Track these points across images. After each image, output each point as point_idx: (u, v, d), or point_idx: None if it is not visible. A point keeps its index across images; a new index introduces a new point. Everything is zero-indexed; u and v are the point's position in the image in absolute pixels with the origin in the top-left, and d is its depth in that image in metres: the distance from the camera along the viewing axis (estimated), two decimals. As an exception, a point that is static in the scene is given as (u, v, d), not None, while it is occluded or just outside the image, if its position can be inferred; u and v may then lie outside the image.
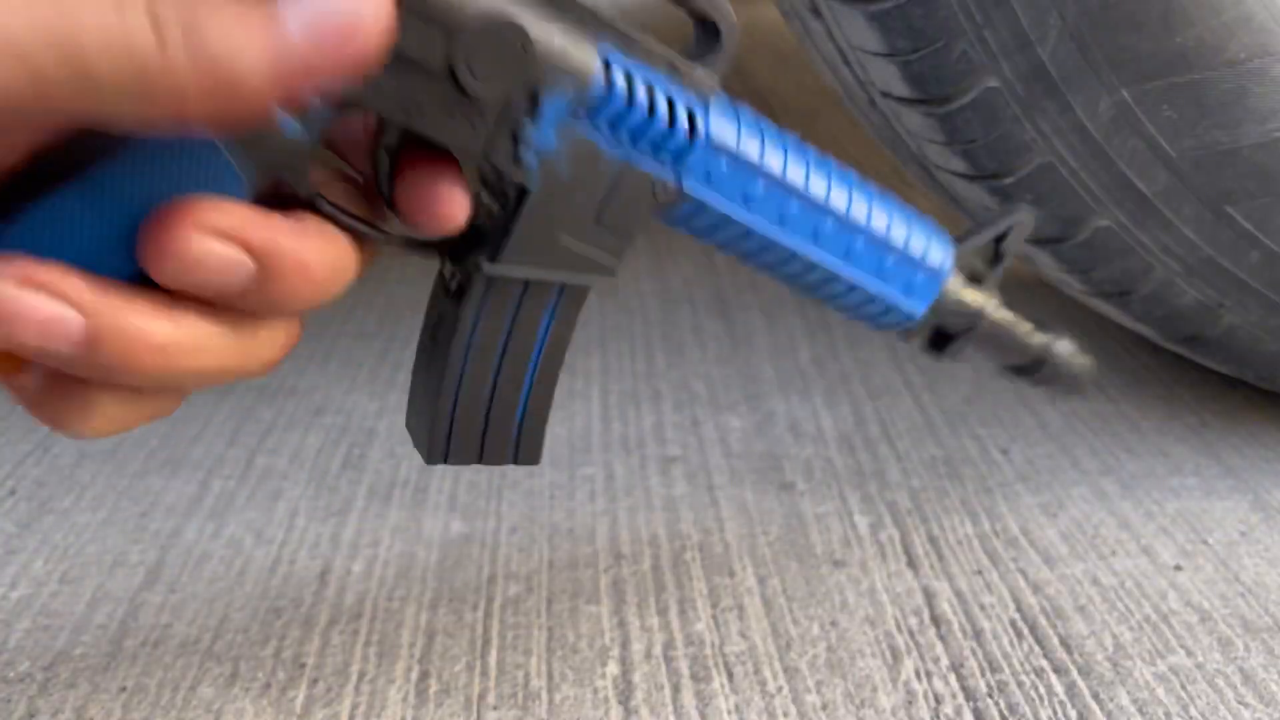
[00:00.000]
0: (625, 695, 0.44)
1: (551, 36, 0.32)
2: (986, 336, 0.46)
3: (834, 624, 0.49)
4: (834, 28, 0.59)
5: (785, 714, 0.43)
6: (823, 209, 0.39)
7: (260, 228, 0.28)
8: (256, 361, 0.30)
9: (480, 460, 0.38)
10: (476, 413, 0.37)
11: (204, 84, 0.24)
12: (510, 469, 0.62)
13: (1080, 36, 0.51)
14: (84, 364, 0.27)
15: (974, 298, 0.45)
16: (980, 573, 0.52)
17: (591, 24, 0.33)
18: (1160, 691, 0.44)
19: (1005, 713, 0.43)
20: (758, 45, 2.06)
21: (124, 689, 0.45)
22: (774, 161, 0.38)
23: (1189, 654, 0.46)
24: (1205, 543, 0.55)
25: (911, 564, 0.53)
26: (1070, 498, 0.59)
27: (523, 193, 0.34)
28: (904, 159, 0.68)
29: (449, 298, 0.36)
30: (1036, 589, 0.51)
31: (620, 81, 0.34)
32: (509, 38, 0.31)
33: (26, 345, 0.26)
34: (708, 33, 0.35)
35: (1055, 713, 0.43)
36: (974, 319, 0.45)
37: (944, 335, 0.46)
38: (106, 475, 0.61)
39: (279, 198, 0.30)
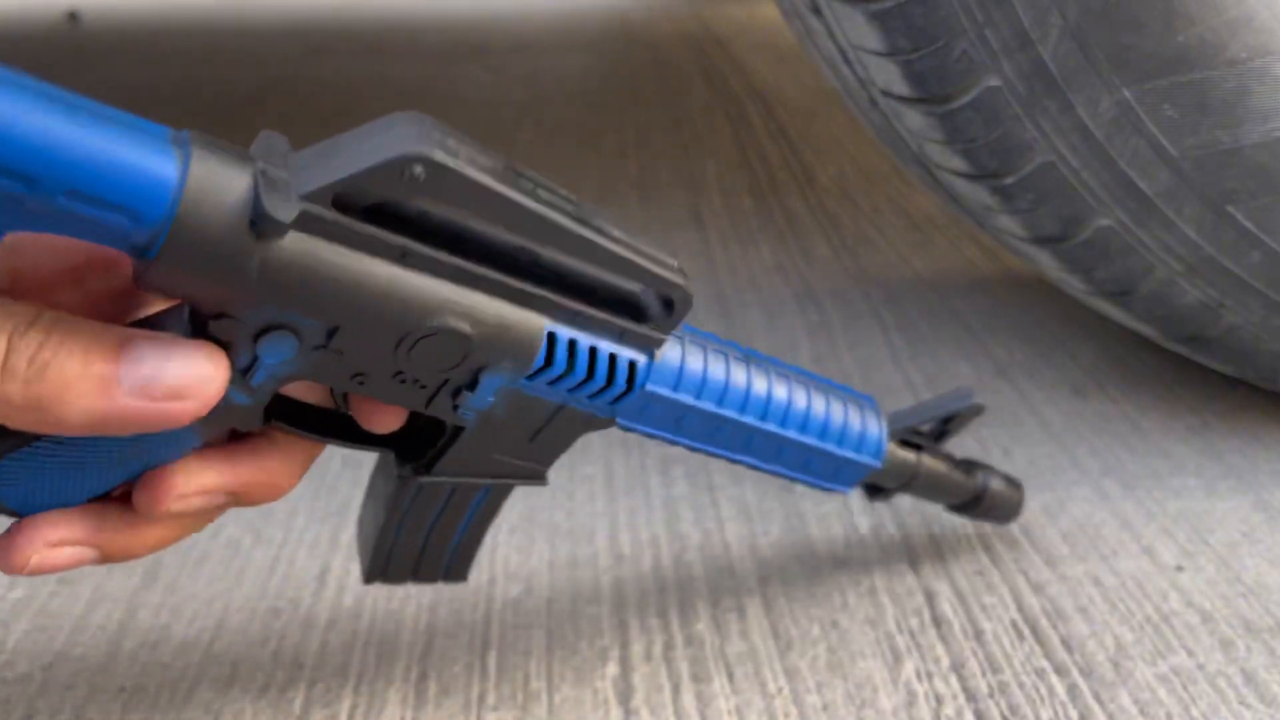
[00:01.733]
0: (625, 696, 0.44)
1: (500, 318, 0.33)
2: (922, 487, 0.49)
3: (834, 624, 0.49)
4: (834, 26, 0.59)
5: (786, 715, 0.43)
6: (753, 429, 0.41)
7: (229, 473, 0.34)
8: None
9: (414, 580, 0.41)
10: (410, 552, 0.40)
11: (27, 415, 0.28)
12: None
13: (1081, 35, 0.51)
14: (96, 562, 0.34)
15: (909, 459, 0.48)
16: (981, 573, 0.52)
17: (541, 295, 0.34)
18: (1162, 692, 0.44)
19: (1007, 714, 0.43)
20: (758, 45, 2.06)
21: (123, 689, 0.45)
22: (708, 398, 0.40)
23: (1190, 655, 0.46)
24: (1207, 543, 0.54)
25: (912, 564, 0.53)
26: (1071, 498, 0.59)
27: (459, 429, 0.36)
28: (904, 158, 0.68)
29: (395, 469, 0.38)
30: (1038, 589, 0.51)
31: (562, 353, 0.35)
32: (452, 346, 0.32)
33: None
34: (664, 303, 0.36)
35: (1056, 714, 0.43)
36: (908, 477, 0.48)
37: (879, 487, 0.50)
38: (106, 475, 0.61)
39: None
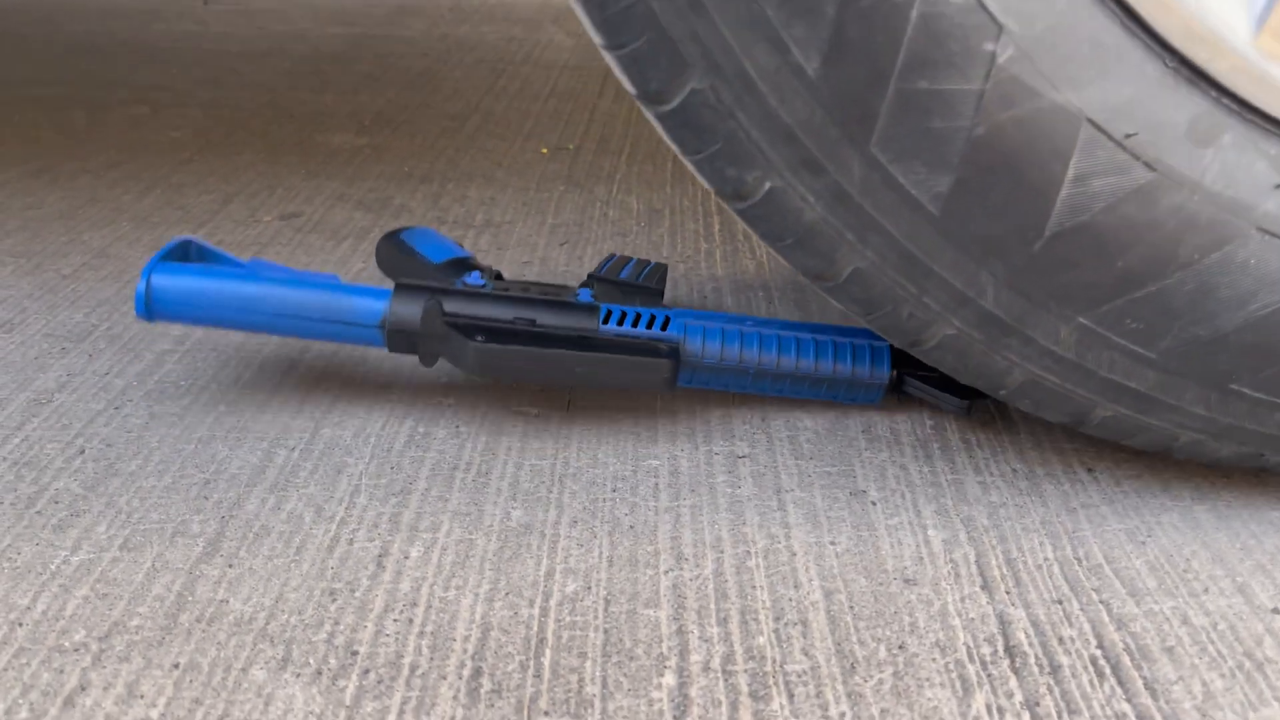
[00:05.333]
0: (681, 710, 0.43)
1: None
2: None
3: (902, 647, 0.47)
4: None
5: (847, 743, 0.41)
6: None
7: None
8: None
9: None
10: None
11: None
12: (574, 456, 0.61)
13: (1018, 285, 0.50)
14: None
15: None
16: (1060, 602, 0.50)
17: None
18: (1252, 748, 0.42)
19: (1082, 759, 0.41)
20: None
21: (177, 666, 0.44)
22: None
23: (1285, 708, 0.43)
24: (1307, 585, 0.51)
25: (986, 587, 0.51)
26: (1160, 525, 0.56)
27: None
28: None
29: None
30: (1121, 624, 0.48)
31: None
32: None
33: None
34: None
35: (1136, 763, 0.41)
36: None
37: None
38: (174, 439, 0.61)
39: None
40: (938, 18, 0.44)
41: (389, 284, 0.66)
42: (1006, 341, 0.52)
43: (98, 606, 0.48)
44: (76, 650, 0.45)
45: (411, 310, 0.62)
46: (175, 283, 0.61)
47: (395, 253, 0.72)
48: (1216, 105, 0.47)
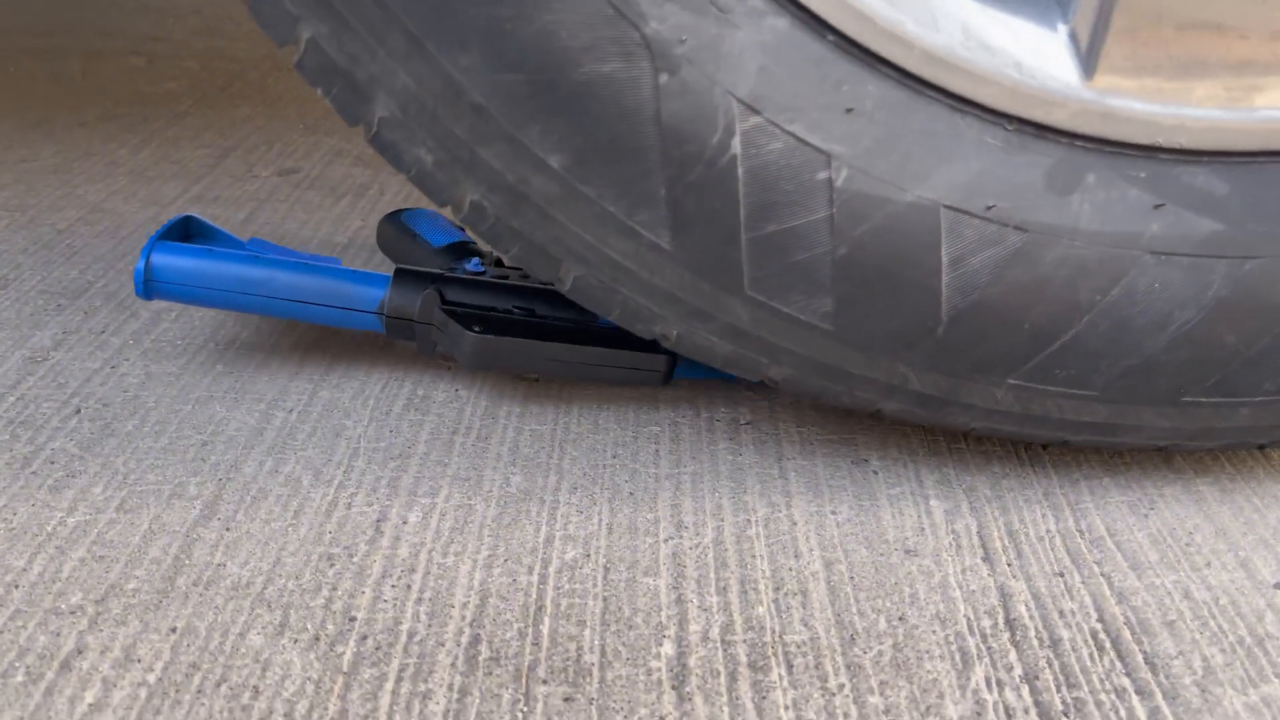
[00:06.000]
0: (679, 679, 0.43)
1: None
2: None
3: (902, 619, 0.46)
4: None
5: (846, 715, 0.41)
6: None
7: None
8: None
9: None
10: None
11: None
12: (574, 421, 0.60)
13: (937, 367, 0.50)
14: None
15: None
16: (1061, 574, 0.49)
17: None
18: (1251, 724, 0.41)
19: (1080, 733, 0.41)
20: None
21: (174, 629, 0.44)
22: None
23: (1285, 684, 0.43)
24: (1309, 560, 0.51)
25: (988, 558, 0.50)
26: (1162, 498, 0.55)
27: None
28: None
29: None
30: (1121, 598, 0.48)
31: None
32: None
33: None
34: None
35: (1134, 738, 0.41)
36: None
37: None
38: (171, 399, 0.61)
39: None
40: (763, 168, 0.46)
41: (389, 266, 0.65)
42: (949, 410, 0.53)
43: (94, 569, 0.48)
44: (73, 613, 0.45)
45: (409, 298, 0.61)
46: (174, 262, 0.61)
47: (395, 235, 0.71)
48: (1070, 151, 0.47)
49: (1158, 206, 0.47)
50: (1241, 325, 0.49)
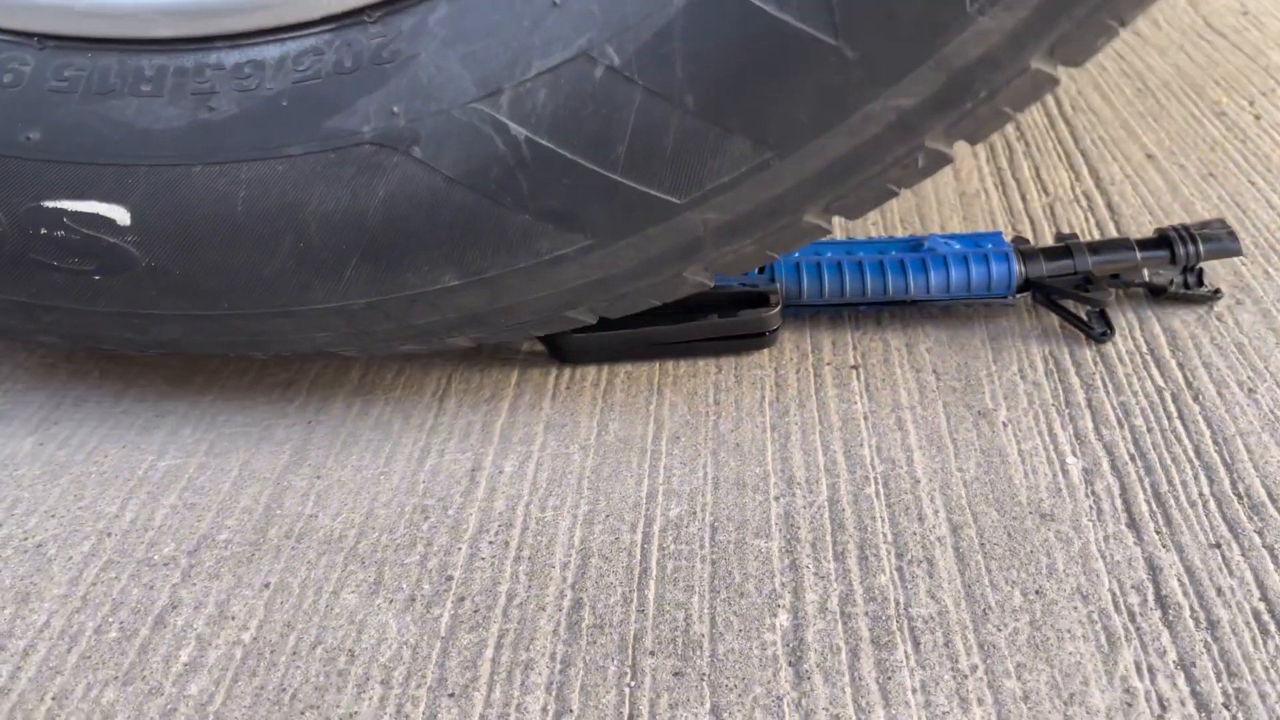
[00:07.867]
0: (797, 656, 0.40)
1: None
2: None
3: (1039, 593, 0.42)
4: None
5: (980, 701, 0.38)
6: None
7: None
8: None
9: None
10: None
11: None
12: (670, 362, 0.57)
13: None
14: None
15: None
16: (1218, 546, 0.45)
17: None
18: None
19: (1245, 731, 0.37)
20: None
21: (267, 585, 0.43)
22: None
23: None
24: None
25: (1133, 525, 0.46)
26: (1329, 458, 0.50)
27: None
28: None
29: None
30: (1287, 575, 0.43)
31: None
32: None
33: None
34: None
35: (1308, 738, 0.37)
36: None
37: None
38: (257, 334, 0.59)
39: None
40: None
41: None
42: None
43: (185, 517, 0.46)
44: (167, 565, 0.44)
45: None
46: None
47: None
48: None
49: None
50: None
